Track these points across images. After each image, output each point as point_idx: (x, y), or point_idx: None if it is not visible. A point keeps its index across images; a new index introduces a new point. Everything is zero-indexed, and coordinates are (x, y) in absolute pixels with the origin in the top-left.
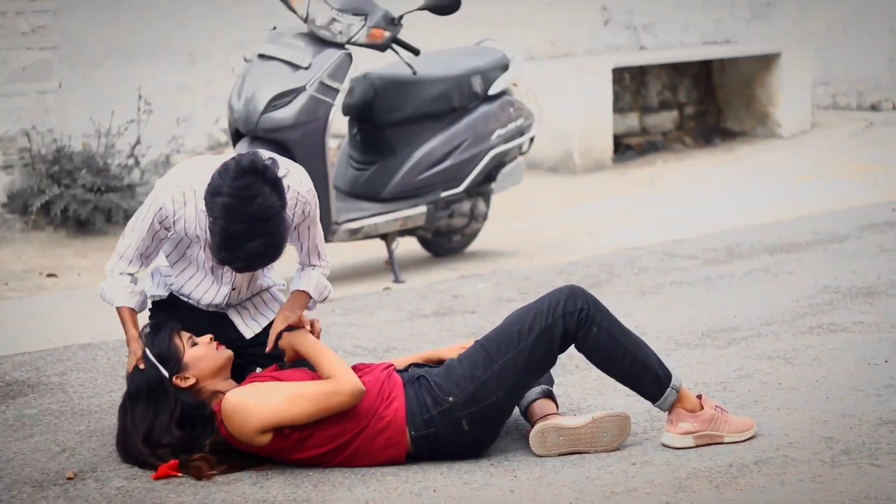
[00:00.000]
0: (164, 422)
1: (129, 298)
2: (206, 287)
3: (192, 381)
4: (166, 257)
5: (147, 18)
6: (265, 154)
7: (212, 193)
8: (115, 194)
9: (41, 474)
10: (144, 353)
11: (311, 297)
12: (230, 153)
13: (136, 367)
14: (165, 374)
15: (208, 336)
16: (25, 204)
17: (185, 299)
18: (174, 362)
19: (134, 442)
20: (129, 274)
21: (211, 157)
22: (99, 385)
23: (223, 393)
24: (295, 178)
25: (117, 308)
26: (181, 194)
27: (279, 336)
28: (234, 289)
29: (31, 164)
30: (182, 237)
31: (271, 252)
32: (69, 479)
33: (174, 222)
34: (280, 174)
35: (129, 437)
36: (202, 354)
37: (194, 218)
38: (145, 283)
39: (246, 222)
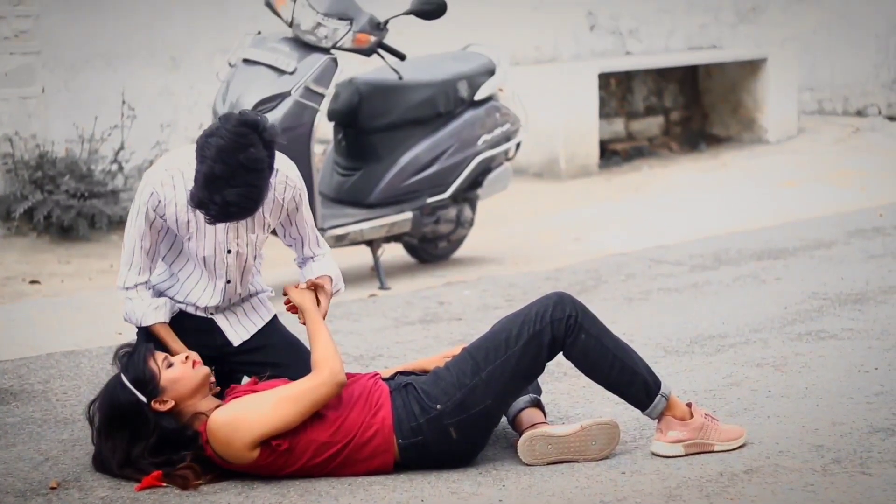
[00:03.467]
0: (144, 447)
1: (157, 314)
2: (203, 285)
3: (171, 405)
4: (163, 260)
5: (129, 23)
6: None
7: (208, 135)
8: (99, 200)
9: (24, 483)
10: (120, 378)
11: (332, 281)
12: None
13: (111, 391)
14: (143, 399)
15: (184, 354)
16: (8, 210)
17: (182, 306)
18: (151, 386)
19: (112, 466)
20: (144, 283)
21: (190, 146)
22: (82, 393)
23: (205, 413)
24: (286, 164)
25: (149, 328)
26: (170, 177)
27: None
28: (228, 281)
29: (14, 169)
30: (175, 231)
31: (247, 204)
32: (52, 488)
33: (166, 206)
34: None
35: (107, 461)
36: (179, 376)
37: (185, 200)
38: None
39: (232, 167)
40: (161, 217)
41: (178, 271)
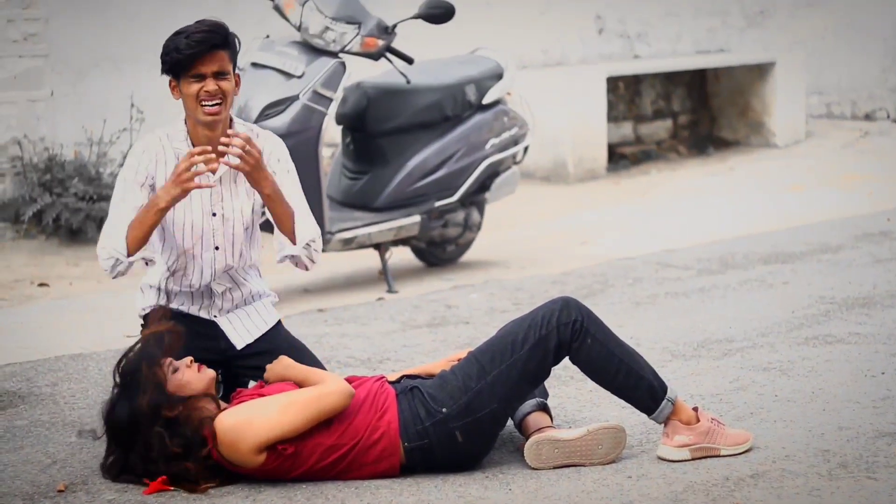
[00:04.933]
0: (153, 452)
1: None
2: (192, 259)
3: (178, 409)
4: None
5: (137, 26)
6: None
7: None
8: (107, 203)
9: (32, 486)
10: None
11: (292, 216)
12: None
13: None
14: (151, 404)
15: (188, 358)
16: (17, 212)
17: (185, 308)
18: (158, 392)
19: (119, 471)
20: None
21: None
22: (90, 396)
23: (211, 417)
24: (267, 135)
25: (126, 240)
26: (157, 139)
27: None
28: (217, 248)
29: (23, 172)
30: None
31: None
32: (60, 491)
33: (156, 165)
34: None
35: (116, 466)
36: (185, 380)
37: (173, 159)
38: (135, 298)
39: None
40: (150, 179)
41: (170, 251)
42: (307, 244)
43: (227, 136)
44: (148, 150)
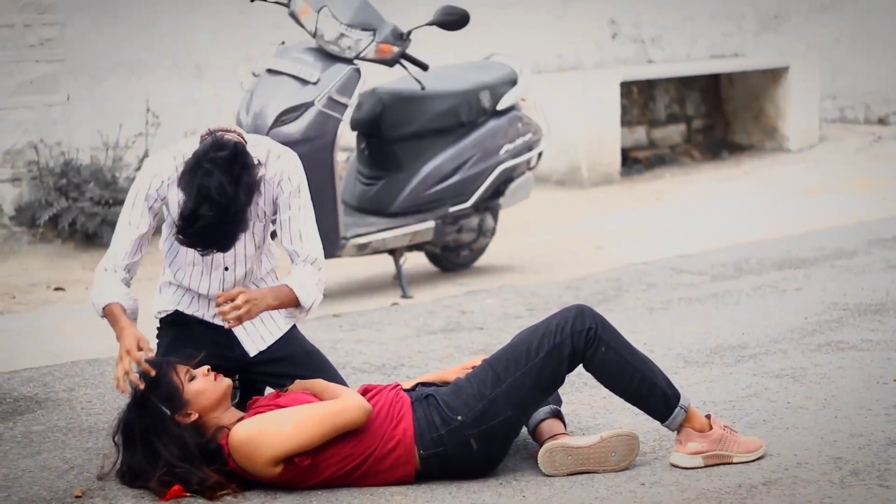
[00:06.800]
0: (169, 461)
1: (121, 297)
2: (200, 274)
3: (194, 417)
4: (168, 267)
5: (154, 31)
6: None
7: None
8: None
9: (49, 492)
10: (144, 392)
11: (296, 297)
12: None
13: (135, 405)
14: (167, 412)
15: (206, 367)
16: (33, 217)
17: (199, 314)
18: (175, 399)
19: (135, 479)
20: (125, 269)
21: (189, 139)
22: (107, 401)
23: (227, 426)
24: (287, 157)
25: (104, 308)
26: (171, 158)
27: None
28: (226, 269)
29: (39, 176)
30: (173, 218)
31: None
32: (77, 497)
33: (169, 186)
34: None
35: (132, 474)
36: (202, 388)
37: None
38: (153, 298)
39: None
40: (161, 200)
41: (177, 271)
42: (313, 301)
43: (218, 303)
44: (160, 173)
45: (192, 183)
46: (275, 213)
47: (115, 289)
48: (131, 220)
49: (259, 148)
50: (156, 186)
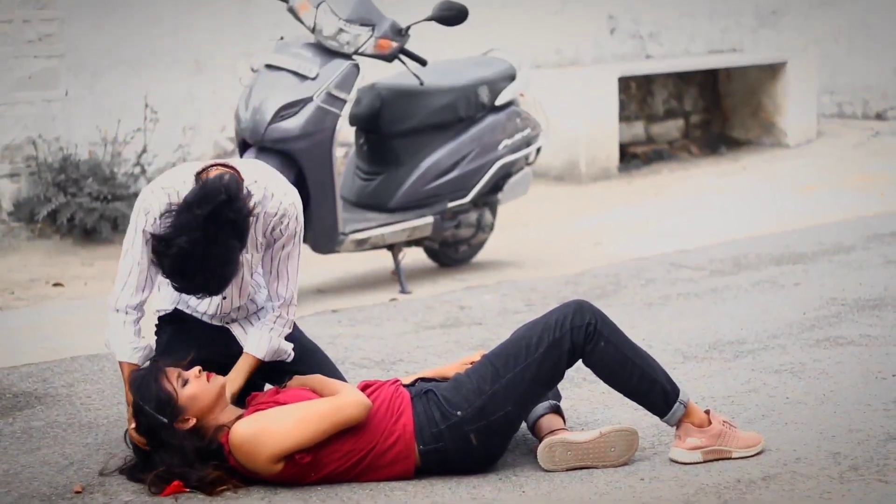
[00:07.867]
0: (174, 466)
1: (133, 355)
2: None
3: (193, 422)
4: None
5: (153, 27)
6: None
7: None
8: (122, 203)
9: (49, 488)
10: (139, 404)
11: (256, 360)
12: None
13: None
14: (165, 421)
15: (197, 368)
16: (32, 212)
17: (190, 312)
18: (171, 407)
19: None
20: (135, 307)
21: (191, 164)
22: (106, 397)
23: (227, 425)
24: (291, 197)
25: (119, 361)
26: (165, 195)
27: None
28: (224, 297)
29: (38, 172)
30: None
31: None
32: (77, 492)
33: (160, 224)
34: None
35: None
36: (195, 392)
37: None
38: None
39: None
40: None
41: (172, 293)
42: (267, 349)
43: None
44: (152, 210)
45: (170, 243)
46: (267, 246)
47: (126, 342)
48: (133, 256)
49: (258, 185)
50: (150, 223)
